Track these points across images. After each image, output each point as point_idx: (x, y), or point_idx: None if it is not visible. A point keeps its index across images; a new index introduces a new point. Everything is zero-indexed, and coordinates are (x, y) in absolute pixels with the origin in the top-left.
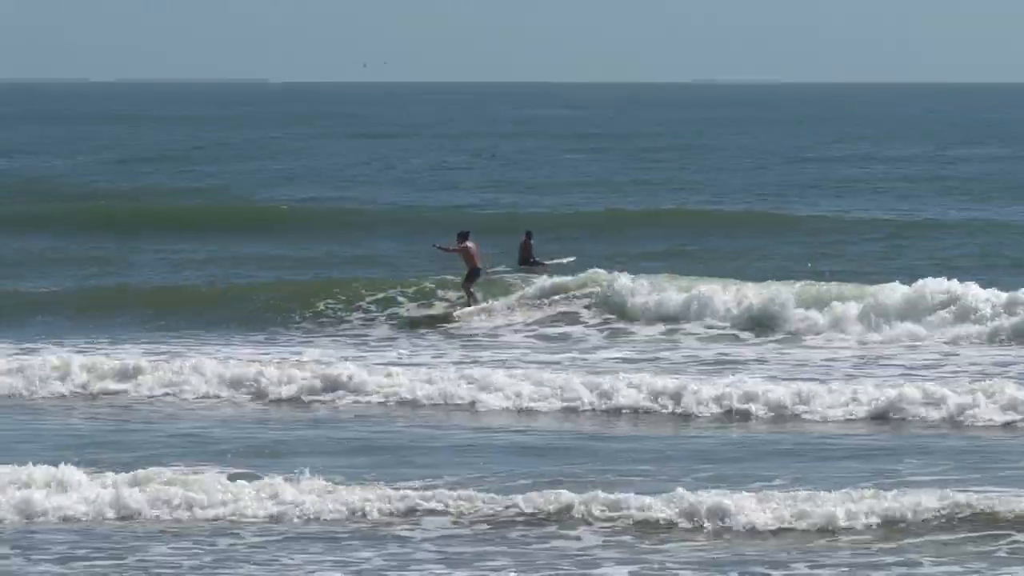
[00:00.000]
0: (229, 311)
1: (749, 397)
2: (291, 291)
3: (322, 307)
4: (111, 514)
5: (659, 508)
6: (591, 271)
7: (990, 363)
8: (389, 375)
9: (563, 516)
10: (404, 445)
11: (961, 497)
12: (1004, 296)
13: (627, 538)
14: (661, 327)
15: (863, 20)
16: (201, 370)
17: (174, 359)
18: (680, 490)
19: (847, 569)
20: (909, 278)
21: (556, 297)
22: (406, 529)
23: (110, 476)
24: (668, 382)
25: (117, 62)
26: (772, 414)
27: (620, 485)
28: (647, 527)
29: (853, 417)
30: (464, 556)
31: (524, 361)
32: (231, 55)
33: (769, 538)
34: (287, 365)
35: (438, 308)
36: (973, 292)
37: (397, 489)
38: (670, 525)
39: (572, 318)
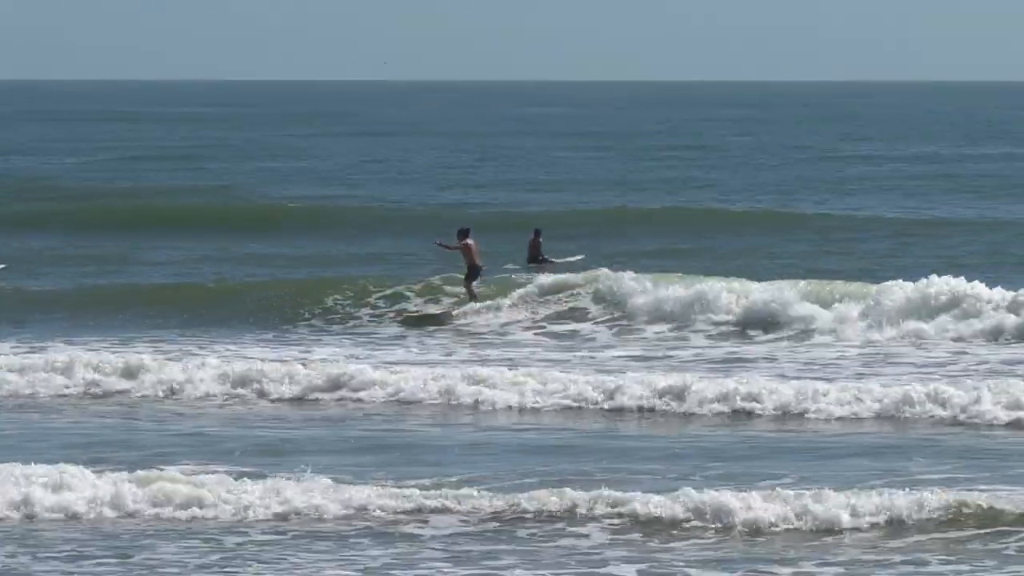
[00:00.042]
0: (237, 308)
1: (754, 396)
2: (296, 288)
3: (330, 303)
4: (117, 513)
5: (666, 506)
6: (597, 270)
7: (998, 361)
8: (396, 372)
9: (571, 514)
10: (412, 443)
11: (969, 495)
12: (1010, 295)
13: (635, 536)
14: (668, 325)
15: (863, 20)
16: (208, 369)
17: (183, 357)
18: (687, 488)
19: (855, 567)
20: (915, 276)
21: (562, 295)
22: (414, 527)
23: (116, 475)
24: (674, 380)
25: (117, 62)
26: (780, 412)
27: (628, 483)
28: (655, 525)
29: (861, 415)
30: (472, 554)
31: (533, 359)
32: (231, 55)
33: (777, 536)
34: (294, 363)
35: (442, 305)
36: (979, 290)
37: (404, 488)
38: (677, 523)
39: (580, 315)
